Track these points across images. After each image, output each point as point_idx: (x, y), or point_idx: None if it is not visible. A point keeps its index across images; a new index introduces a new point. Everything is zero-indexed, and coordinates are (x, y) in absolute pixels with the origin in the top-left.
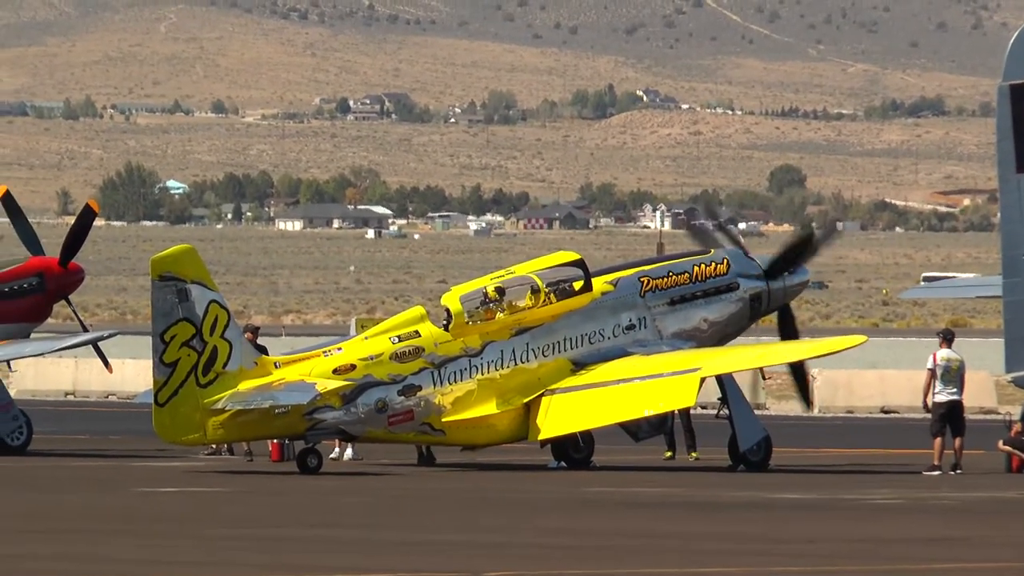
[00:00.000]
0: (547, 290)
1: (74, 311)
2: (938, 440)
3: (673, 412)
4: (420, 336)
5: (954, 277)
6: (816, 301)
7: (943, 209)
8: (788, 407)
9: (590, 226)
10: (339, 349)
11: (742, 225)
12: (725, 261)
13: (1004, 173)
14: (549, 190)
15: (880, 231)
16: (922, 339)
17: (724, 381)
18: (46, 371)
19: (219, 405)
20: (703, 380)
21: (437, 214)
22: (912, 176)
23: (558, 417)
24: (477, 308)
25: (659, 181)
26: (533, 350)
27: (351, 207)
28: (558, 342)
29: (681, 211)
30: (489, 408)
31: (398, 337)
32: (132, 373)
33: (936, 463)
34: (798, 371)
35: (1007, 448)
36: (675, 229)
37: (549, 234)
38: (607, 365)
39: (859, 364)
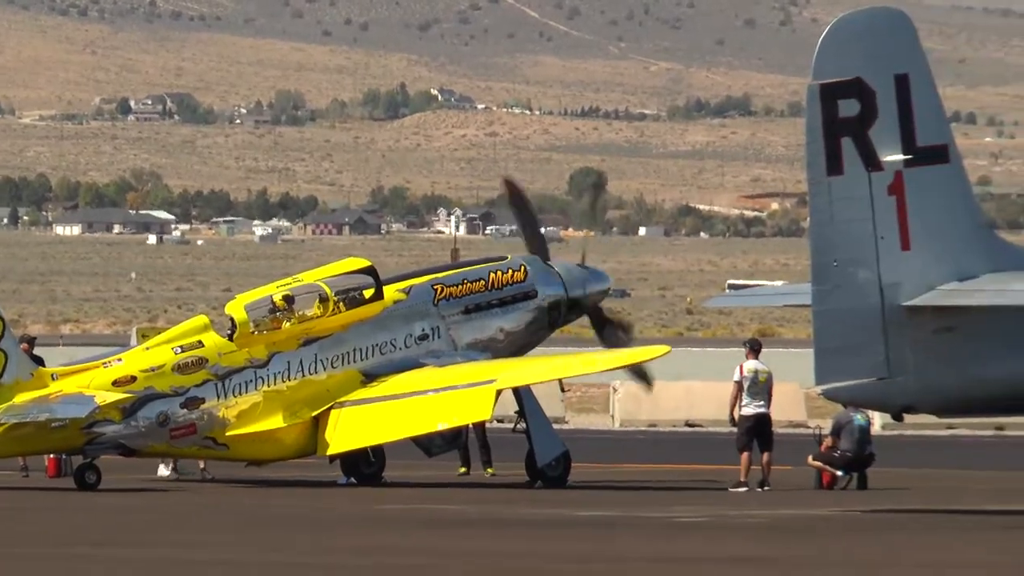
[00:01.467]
0: (336, 298)
1: None
2: (745, 455)
3: (468, 426)
4: (203, 346)
5: (761, 285)
6: (617, 309)
7: (750, 213)
8: (588, 420)
9: (381, 231)
10: (119, 360)
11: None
12: (523, 268)
13: (814, 176)
14: (339, 194)
15: (684, 236)
16: (728, 349)
17: (521, 393)
18: None
19: None
20: (499, 392)
21: (222, 219)
22: (718, 179)
23: (348, 431)
24: (263, 317)
25: (454, 184)
26: (321, 361)
27: (132, 212)
28: (348, 353)
29: (476, 216)
30: (275, 421)
31: (181, 347)
32: None
33: (743, 479)
34: (637, 369)
35: (817, 464)
36: (470, 235)
37: (339, 240)
38: (399, 377)
39: (662, 375)
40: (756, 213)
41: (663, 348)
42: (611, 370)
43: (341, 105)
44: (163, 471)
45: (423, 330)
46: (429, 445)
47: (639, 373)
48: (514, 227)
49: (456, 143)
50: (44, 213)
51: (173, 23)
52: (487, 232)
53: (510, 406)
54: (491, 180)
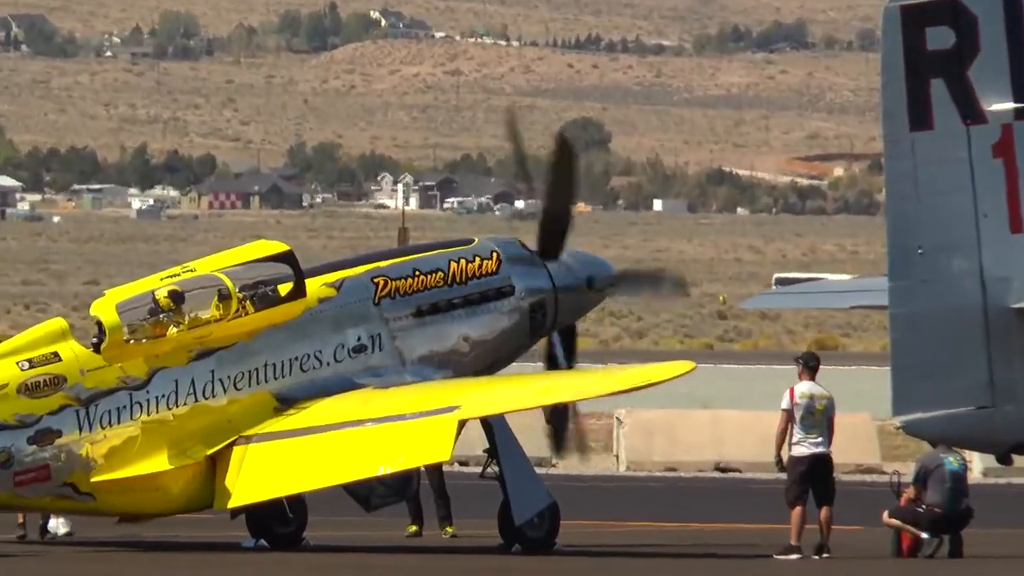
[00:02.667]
0: (241, 295)
1: None
2: (797, 510)
3: (420, 470)
4: (60, 360)
5: (820, 279)
6: (623, 312)
7: (805, 182)
8: (584, 463)
9: (304, 204)
10: None
11: (519, 204)
12: (495, 255)
13: (893, 130)
14: (245, 153)
15: (715, 213)
16: (774, 367)
17: (493, 426)
18: None
19: None
20: (463, 424)
21: (86, 187)
22: (761, 135)
23: (256, 476)
24: (142, 321)
25: (403, 141)
26: (221, 380)
27: None
28: (257, 369)
29: (433, 184)
30: (158, 463)
31: (29, 361)
32: None
33: (794, 542)
34: (558, 410)
35: (895, 522)
36: (424, 209)
37: (246, 215)
38: (326, 402)
39: (685, 402)
40: (814, 181)
41: (686, 365)
42: (615, 395)
43: (248, 32)
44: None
45: (359, 339)
46: (368, 496)
47: (558, 428)
48: (484, 199)
49: (406, 85)
50: None
51: None
52: (447, 206)
53: (478, 443)
54: (453, 135)
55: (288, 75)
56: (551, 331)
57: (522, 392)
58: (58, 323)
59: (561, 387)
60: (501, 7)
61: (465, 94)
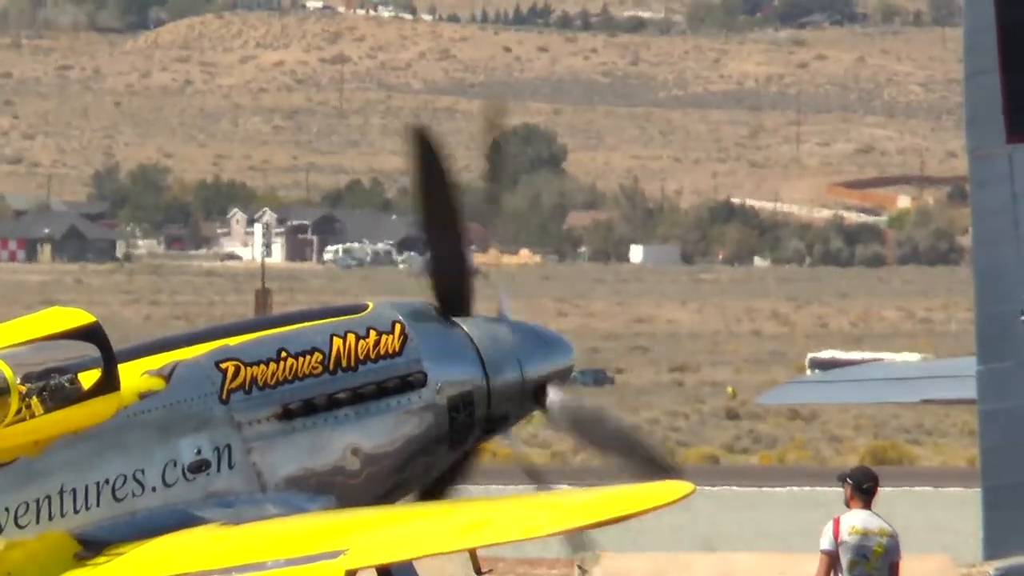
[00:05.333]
0: (24, 389)
1: None
2: None
3: None
4: None
5: (877, 361)
6: (607, 415)
7: (855, 218)
8: None
9: (117, 255)
10: None
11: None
12: (397, 328)
13: (980, 142)
14: (30, 181)
15: (722, 264)
16: (809, 489)
17: None
18: None
19: None
20: None
21: None
22: (789, 149)
23: None
24: None
25: (260, 161)
26: None
27: None
28: (48, 498)
29: (308, 224)
30: None
31: None
32: None
33: None
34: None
35: None
36: (293, 261)
37: (30, 271)
38: (151, 546)
39: (680, 541)
40: (867, 218)
41: (681, 487)
42: (579, 532)
43: (33, 2)
44: None
45: (199, 452)
46: None
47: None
48: (382, 246)
49: (264, 79)
50: None
51: None
52: (327, 257)
53: None
54: (335, 153)
55: (92, 65)
56: (485, 437)
57: (439, 529)
58: None
59: (498, 521)
60: None
61: (354, 90)
